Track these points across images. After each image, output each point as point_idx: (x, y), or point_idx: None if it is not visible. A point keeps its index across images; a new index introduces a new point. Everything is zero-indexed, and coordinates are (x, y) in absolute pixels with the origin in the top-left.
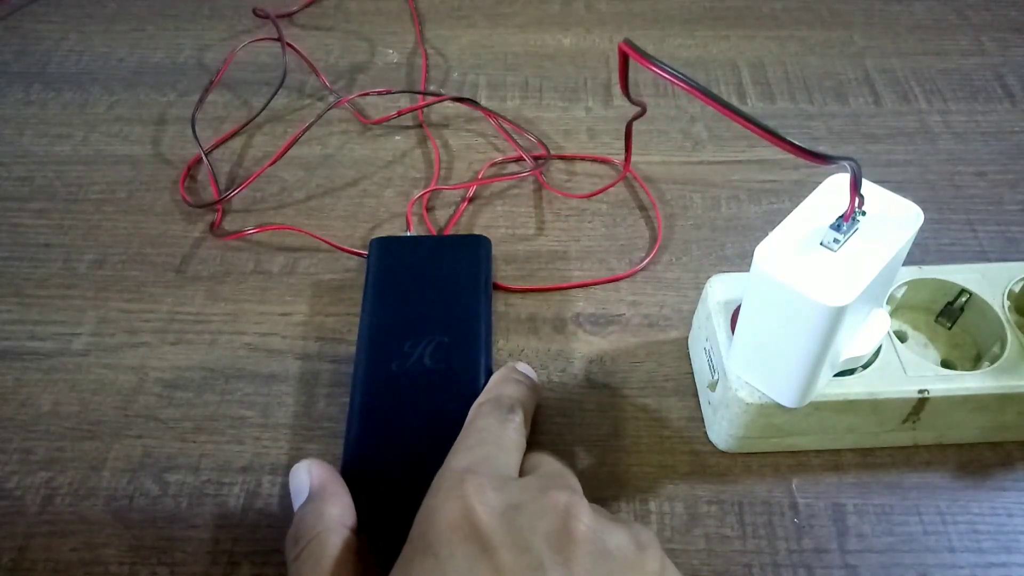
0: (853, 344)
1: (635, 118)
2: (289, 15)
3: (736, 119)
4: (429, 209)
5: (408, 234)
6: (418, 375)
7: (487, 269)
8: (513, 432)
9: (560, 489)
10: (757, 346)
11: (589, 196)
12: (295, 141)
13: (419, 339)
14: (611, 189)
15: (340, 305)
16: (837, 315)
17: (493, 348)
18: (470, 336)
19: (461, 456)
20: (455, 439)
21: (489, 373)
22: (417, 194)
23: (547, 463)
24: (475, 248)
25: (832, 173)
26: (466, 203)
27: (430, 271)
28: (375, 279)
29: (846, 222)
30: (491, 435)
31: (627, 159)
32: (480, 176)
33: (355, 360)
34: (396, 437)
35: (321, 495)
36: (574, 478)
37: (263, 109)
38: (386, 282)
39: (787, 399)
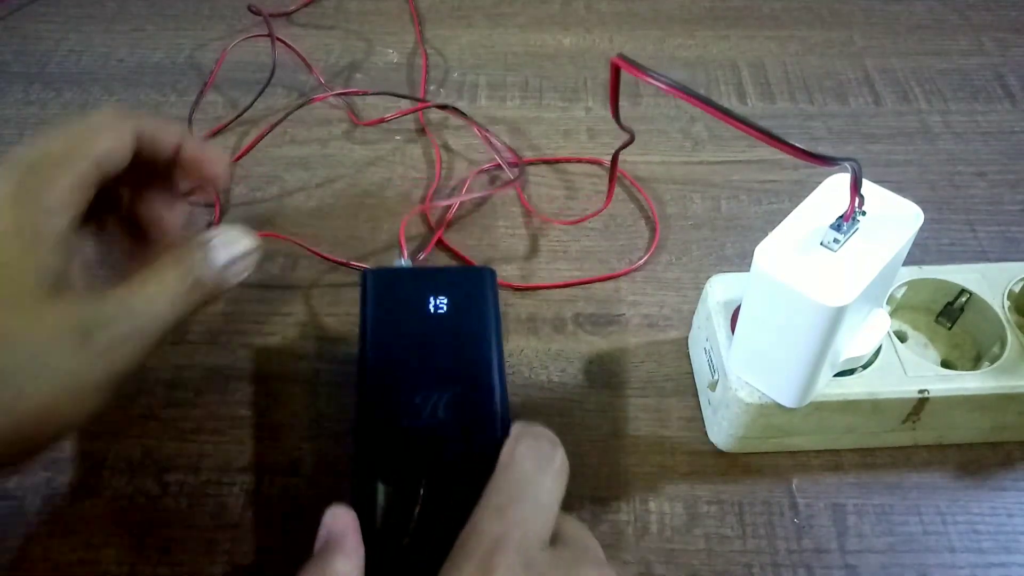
0: (853, 344)
1: (624, 147)
2: (287, 14)
3: (736, 124)
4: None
5: (405, 264)
6: (431, 432)
7: (495, 305)
8: (552, 480)
9: (590, 566)
10: (757, 346)
11: (576, 223)
12: (265, 135)
13: (430, 391)
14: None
15: (340, 305)
16: (837, 315)
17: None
18: (485, 385)
19: (492, 517)
20: (472, 502)
21: (507, 426)
22: (410, 211)
23: (571, 527)
24: (479, 281)
25: (832, 173)
26: (454, 208)
27: (433, 309)
28: (374, 318)
29: (846, 222)
30: (528, 487)
31: (610, 189)
32: (465, 190)
33: (358, 409)
34: (410, 501)
35: (333, 549)
36: (597, 545)
37: (249, 106)
38: (386, 322)
39: (787, 399)
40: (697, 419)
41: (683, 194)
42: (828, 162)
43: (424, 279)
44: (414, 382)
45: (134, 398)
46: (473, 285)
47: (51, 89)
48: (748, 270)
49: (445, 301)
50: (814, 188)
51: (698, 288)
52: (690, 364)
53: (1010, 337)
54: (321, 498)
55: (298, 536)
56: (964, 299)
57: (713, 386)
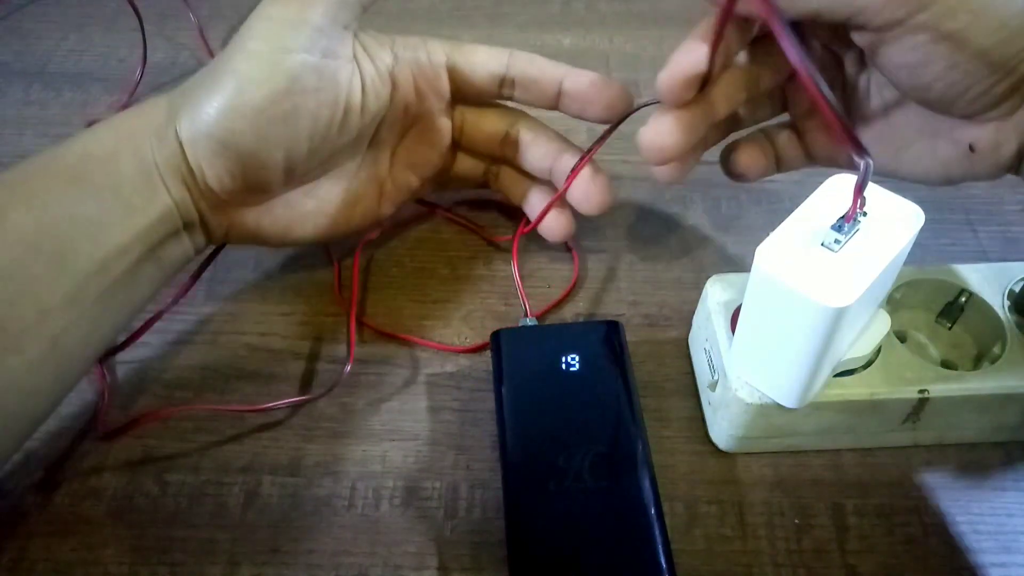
0: (854, 344)
1: (604, 139)
2: None
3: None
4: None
5: (531, 323)
6: (579, 494)
7: (627, 358)
8: None
9: None
10: (758, 346)
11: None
12: None
13: (573, 452)
14: None
15: (340, 305)
16: (838, 316)
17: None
18: (628, 442)
19: None
20: (627, 564)
21: (655, 487)
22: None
23: None
24: (608, 335)
25: (835, 173)
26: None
27: (565, 366)
28: (509, 378)
29: (848, 223)
30: None
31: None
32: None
33: (504, 477)
34: (566, 567)
35: None
36: None
37: None
38: (521, 382)
39: (787, 400)
40: (697, 419)
41: (683, 194)
42: (860, 149)
43: (553, 336)
44: (556, 443)
45: (134, 398)
46: (602, 339)
47: (51, 89)
48: (748, 270)
49: (576, 358)
50: (814, 188)
51: (698, 288)
52: (690, 364)
53: (1010, 337)
54: (321, 498)
55: (298, 536)
56: (964, 299)
57: (713, 386)
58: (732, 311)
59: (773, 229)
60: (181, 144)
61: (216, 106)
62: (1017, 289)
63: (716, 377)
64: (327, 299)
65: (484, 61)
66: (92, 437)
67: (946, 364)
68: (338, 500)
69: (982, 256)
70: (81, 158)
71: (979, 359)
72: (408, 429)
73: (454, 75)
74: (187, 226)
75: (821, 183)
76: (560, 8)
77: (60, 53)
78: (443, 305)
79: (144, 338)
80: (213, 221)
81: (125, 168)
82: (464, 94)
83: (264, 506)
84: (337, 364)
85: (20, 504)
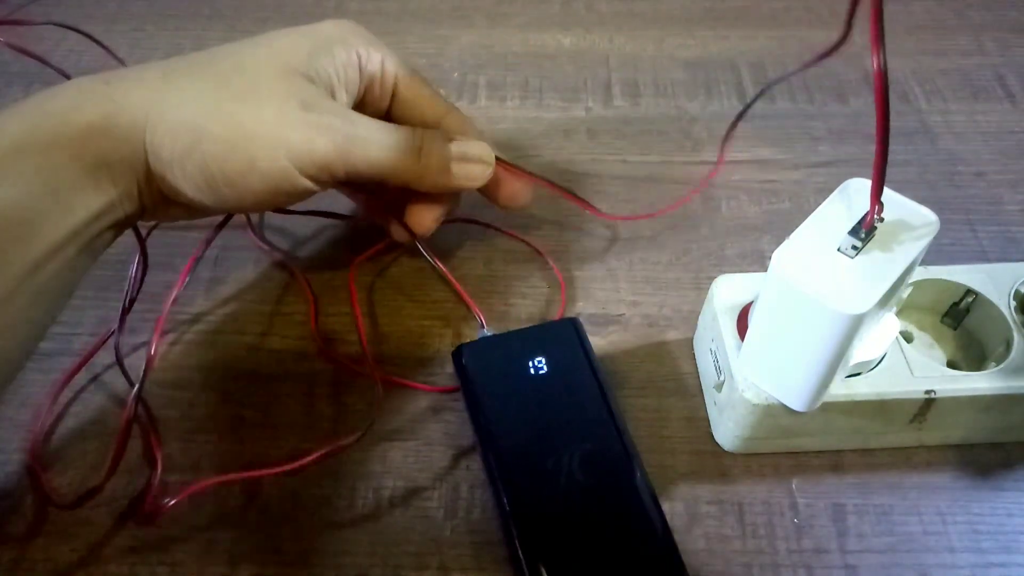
0: (864, 348)
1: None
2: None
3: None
4: None
5: (489, 333)
6: (574, 493)
7: (591, 352)
8: None
9: None
10: (769, 350)
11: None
12: None
13: (560, 453)
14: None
15: (340, 305)
16: (854, 323)
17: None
18: (611, 436)
19: None
20: (636, 556)
21: (644, 475)
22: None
23: None
24: (568, 333)
25: (845, 177)
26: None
27: (534, 370)
28: (481, 392)
29: (865, 229)
30: None
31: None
32: None
33: (495, 488)
34: (576, 565)
35: None
36: None
37: None
38: (492, 394)
39: (797, 403)
40: (697, 419)
41: (683, 194)
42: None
43: (515, 343)
44: (541, 448)
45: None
46: (564, 338)
47: None
48: (749, 270)
49: (543, 360)
50: (814, 188)
51: (698, 288)
52: (690, 364)
53: (1016, 337)
54: (321, 498)
55: (298, 536)
56: (970, 300)
57: (719, 387)
58: (738, 312)
59: (773, 229)
60: (146, 151)
61: (203, 164)
62: (1023, 290)
63: (722, 378)
64: (327, 299)
65: (427, 107)
66: (92, 436)
67: (952, 365)
68: (338, 500)
69: (982, 256)
70: (10, 151)
71: (985, 360)
72: (408, 429)
73: (396, 101)
74: (128, 216)
75: (820, 183)
76: (560, 8)
77: (60, 53)
78: (442, 305)
79: (144, 337)
80: (157, 211)
81: (64, 165)
82: (394, 117)
83: (264, 506)
84: (337, 363)
85: (20, 504)
